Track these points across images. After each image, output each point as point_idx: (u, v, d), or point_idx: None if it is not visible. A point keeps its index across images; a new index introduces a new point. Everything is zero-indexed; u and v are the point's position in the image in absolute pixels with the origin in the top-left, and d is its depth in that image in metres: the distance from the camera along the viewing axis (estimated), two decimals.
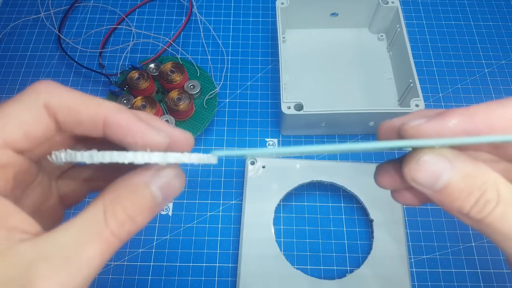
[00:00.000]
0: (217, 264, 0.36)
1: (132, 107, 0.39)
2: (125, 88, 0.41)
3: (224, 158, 0.41)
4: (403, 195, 0.19)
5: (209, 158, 0.16)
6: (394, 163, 0.18)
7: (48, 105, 0.15)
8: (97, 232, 0.14)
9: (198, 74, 0.43)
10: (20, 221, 0.14)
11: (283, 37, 0.45)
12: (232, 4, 0.51)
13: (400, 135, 0.16)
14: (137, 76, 0.40)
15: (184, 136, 0.17)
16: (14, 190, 0.15)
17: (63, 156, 0.15)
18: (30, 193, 0.17)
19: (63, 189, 0.20)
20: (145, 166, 0.16)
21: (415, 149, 0.16)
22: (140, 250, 0.36)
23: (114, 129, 0.16)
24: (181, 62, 0.42)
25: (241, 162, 0.40)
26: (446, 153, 0.15)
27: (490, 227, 0.14)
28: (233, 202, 0.39)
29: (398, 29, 0.42)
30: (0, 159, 0.14)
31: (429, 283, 0.35)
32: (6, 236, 0.13)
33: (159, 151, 0.15)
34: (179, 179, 0.16)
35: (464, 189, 0.15)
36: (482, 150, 0.18)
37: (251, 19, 0.50)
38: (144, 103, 0.39)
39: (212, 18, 0.50)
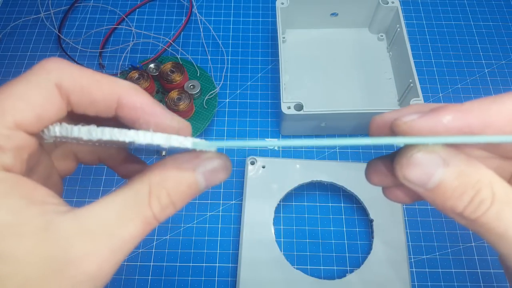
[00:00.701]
0: (217, 264, 0.36)
1: None
2: None
3: (224, 149, 0.41)
4: (394, 192, 0.18)
5: (209, 146, 0.15)
6: (385, 159, 0.18)
7: (60, 84, 0.14)
8: (140, 212, 0.14)
9: (198, 74, 0.43)
10: (46, 195, 0.14)
11: (283, 37, 0.45)
12: (232, 4, 0.51)
13: (392, 131, 0.15)
14: (137, 76, 0.40)
15: (185, 125, 0.17)
16: (27, 170, 0.15)
17: (58, 130, 0.14)
18: (36, 171, 0.17)
19: (56, 163, 0.19)
20: (192, 152, 0.15)
21: (407, 146, 0.15)
22: (140, 250, 0.36)
23: (128, 110, 0.15)
24: (181, 62, 0.42)
25: (241, 162, 0.40)
26: (439, 150, 0.14)
27: (485, 227, 0.14)
28: (233, 202, 0.39)
29: (398, 29, 0.42)
30: (15, 141, 0.13)
31: (429, 283, 0.35)
32: (41, 212, 0.13)
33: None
34: (225, 169, 0.16)
35: (457, 188, 0.14)
36: (475, 147, 0.17)
37: (251, 19, 0.50)
38: None
39: (212, 18, 0.50)
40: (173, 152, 0.16)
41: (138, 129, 0.15)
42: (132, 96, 0.15)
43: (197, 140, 0.15)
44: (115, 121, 0.16)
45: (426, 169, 0.14)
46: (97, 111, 0.15)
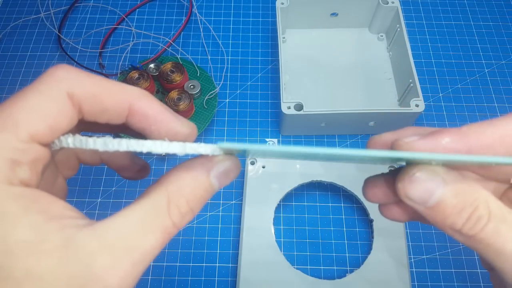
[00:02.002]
0: (217, 264, 0.36)
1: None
2: None
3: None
4: (391, 210, 0.19)
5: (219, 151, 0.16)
6: (383, 177, 0.18)
7: (72, 94, 0.14)
8: (160, 222, 0.14)
9: (198, 74, 0.43)
10: (64, 208, 0.14)
11: (283, 37, 0.45)
12: (232, 4, 0.51)
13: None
14: (137, 76, 0.40)
15: (194, 128, 0.17)
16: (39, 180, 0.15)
17: (71, 142, 0.14)
18: (44, 178, 0.16)
19: (59, 165, 0.19)
20: (204, 155, 0.16)
21: (409, 165, 0.16)
22: None
23: (139, 118, 0.15)
24: (181, 62, 0.42)
25: (241, 162, 0.40)
26: (438, 170, 0.15)
27: (482, 243, 0.14)
28: (233, 202, 0.39)
29: (398, 29, 0.42)
30: (31, 154, 0.13)
31: (429, 283, 0.35)
32: (60, 227, 0.13)
33: (177, 140, 0.15)
34: (236, 168, 0.16)
35: (456, 205, 0.15)
36: (469, 170, 0.18)
37: (251, 19, 0.50)
38: None
39: (212, 18, 0.50)
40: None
41: (149, 136, 0.15)
42: (143, 103, 0.15)
43: (209, 146, 0.15)
44: (124, 127, 0.16)
45: (427, 187, 0.15)
46: (108, 119, 0.15)
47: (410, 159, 0.16)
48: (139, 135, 0.16)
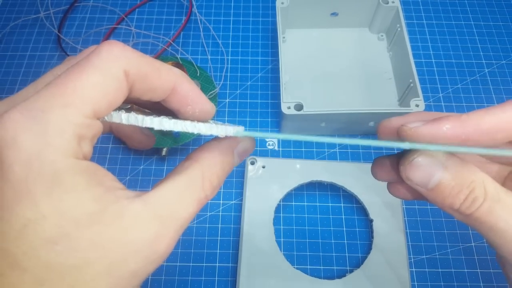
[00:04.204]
0: (217, 264, 0.36)
1: (132, 107, 0.39)
2: None
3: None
4: (398, 188, 0.20)
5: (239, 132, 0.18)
6: (390, 157, 0.20)
7: (128, 72, 0.15)
8: (196, 195, 0.16)
9: (198, 74, 0.43)
10: (113, 180, 0.15)
11: (283, 37, 0.45)
12: (232, 4, 0.51)
13: (399, 135, 0.17)
14: None
15: (214, 107, 0.19)
16: None
17: (124, 118, 0.15)
18: None
19: None
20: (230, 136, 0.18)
21: (411, 150, 0.17)
22: None
23: (179, 98, 0.17)
24: (181, 62, 0.42)
25: (241, 162, 0.40)
26: (438, 154, 0.17)
27: (478, 221, 0.16)
28: (233, 202, 0.39)
29: (398, 29, 0.42)
30: (93, 129, 0.14)
31: (429, 283, 0.35)
32: (115, 199, 0.14)
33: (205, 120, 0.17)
34: (252, 148, 0.19)
35: (454, 187, 0.16)
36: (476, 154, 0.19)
37: (251, 19, 0.50)
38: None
39: (212, 18, 0.50)
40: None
41: (180, 114, 0.17)
42: (185, 84, 0.17)
43: (238, 127, 0.18)
44: (154, 104, 0.18)
45: (426, 171, 0.17)
46: (152, 96, 0.16)
47: (412, 149, 0.17)
48: (164, 111, 0.18)
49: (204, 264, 0.36)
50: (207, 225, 0.38)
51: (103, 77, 0.14)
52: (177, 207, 0.15)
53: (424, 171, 0.17)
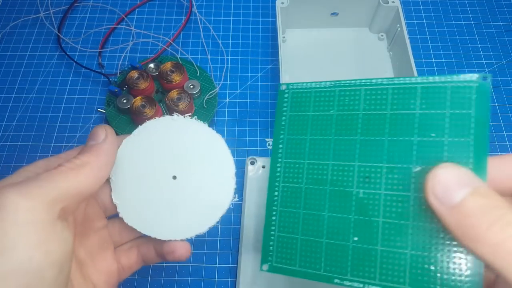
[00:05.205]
0: (217, 265, 0.36)
1: (132, 107, 0.39)
2: (124, 88, 0.41)
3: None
4: None
5: None
6: None
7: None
8: None
9: (198, 74, 0.43)
10: None
11: (283, 37, 0.45)
12: (232, 4, 0.51)
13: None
14: (136, 76, 0.40)
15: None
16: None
17: None
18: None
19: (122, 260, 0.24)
20: None
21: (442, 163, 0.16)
22: None
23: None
24: (180, 62, 0.42)
25: (241, 162, 0.40)
26: (467, 173, 0.15)
27: (509, 254, 0.13)
28: (233, 202, 0.39)
29: (399, 29, 0.42)
30: None
31: None
32: None
33: None
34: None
35: (483, 206, 0.14)
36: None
37: (251, 19, 0.50)
38: (143, 103, 0.39)
39: (212, 18, 0.50)
40: None
41: None
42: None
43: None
44: None
45: (453, 184, 0.15)
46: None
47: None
48: None
49: (204, 265, 0.36)
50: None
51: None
52: None
53: (451, 183, 0.15)
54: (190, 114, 0.23)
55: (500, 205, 0.14)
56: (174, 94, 0.39)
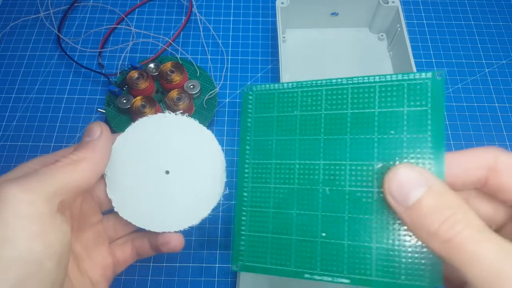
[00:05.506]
0: (217, 265, 0.36)
1: (132, 107, 0.39)
2: (124, 88, 0.41)
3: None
4: None
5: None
6: None
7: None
8: None
9: (198, 74, 0.43)
10: None
11: (283, 37, 0.45)
12: (232, 4, 0.51)
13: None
14: (136, 76, 0.40)
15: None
16: None
17: None
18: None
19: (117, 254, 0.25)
20: None
21: (400, 163, 0.17)
22: None
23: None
24: (180, 62, 0.42)
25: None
26: (424, 172, 0.16)
27: (458, 248, 0.14)
28: (233, 202, 0.39)
29: (399, 29, 0.42)
30: None
31: None
32: None
33: None
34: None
35: (435, 206, 0.15)
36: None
37: (251, 19, 0.50)
38: (143, 103, 0.39)
39: (212, 18, 0.50)
40: None
41: None
42: None
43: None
44: None
45: (409, 185, 0.16)
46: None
47: None
48: None
49: (204, 265, 0.36)
50: (207, 226, 0.37)
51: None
52: None
53: (406, 184, 0.16)
54: (181, 111, 0.24)
55: (451, 203, 0.15)
56: (174, 94, 0.39)
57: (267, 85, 0.23)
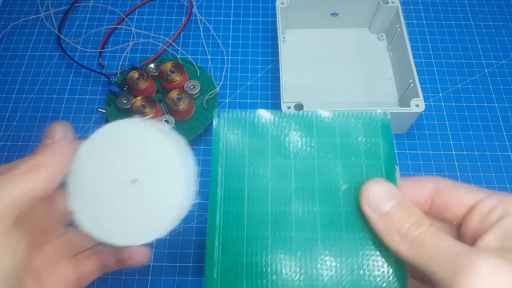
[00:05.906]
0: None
1: (132, 107, 0.39)
2: (125, 88, 0.41)
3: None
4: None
5: None
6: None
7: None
8: None
9: (198, 74, 0.43)
10: None
11: (283, 37, 0.45)
12: (232, 4, 0.51)
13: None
14: (137, 76, 0.40)
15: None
16: None
17: None
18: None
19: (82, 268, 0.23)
20: None
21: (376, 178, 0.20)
22: None
23: None
24: (181, 62, 0.42)
25: None
26: (393, 188, 0.19)
27: (422, 244, 0.17)
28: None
29: (398, 29, 0.42)
30: None
31: None
32: None
33: None
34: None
35: (404, 214, 0.18)
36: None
37: (251, 19, 0.50)
38: (144, 103, 0.39)
39: (212, 18, 0.50)
40: None
41: None
42: None
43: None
44: None
45: (383, 196, 0.19)
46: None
47: None
48: None
49: (204, 264, 0.36)
50: (207, 226, 0.37)
51: None
52: None
53: (381, 195, 0.19)
54: (151, 115, 0.23)
55: (417, 213, 0.18)
56: (174, 94, 0.39)
57: (238, 117, 0.25)
